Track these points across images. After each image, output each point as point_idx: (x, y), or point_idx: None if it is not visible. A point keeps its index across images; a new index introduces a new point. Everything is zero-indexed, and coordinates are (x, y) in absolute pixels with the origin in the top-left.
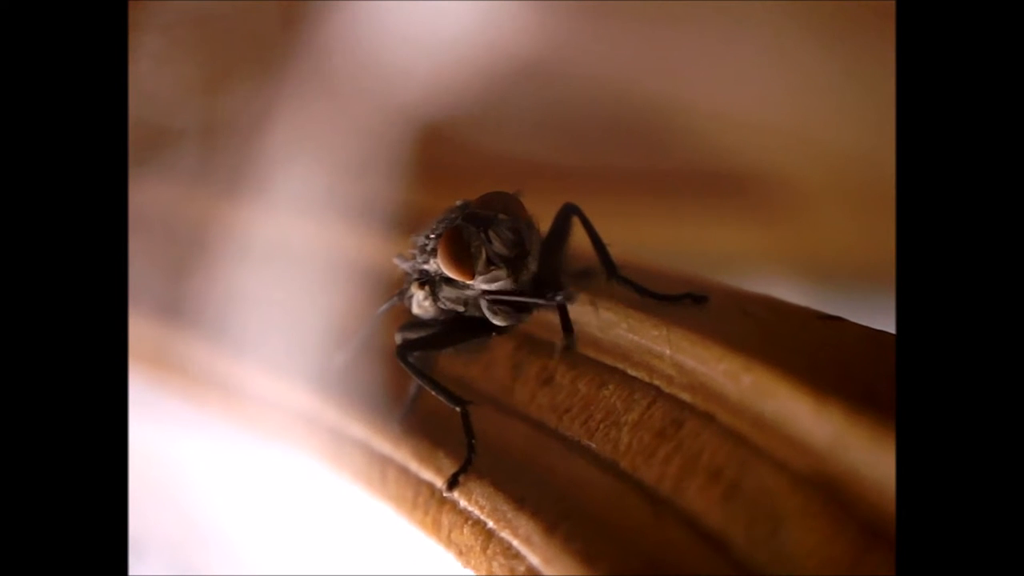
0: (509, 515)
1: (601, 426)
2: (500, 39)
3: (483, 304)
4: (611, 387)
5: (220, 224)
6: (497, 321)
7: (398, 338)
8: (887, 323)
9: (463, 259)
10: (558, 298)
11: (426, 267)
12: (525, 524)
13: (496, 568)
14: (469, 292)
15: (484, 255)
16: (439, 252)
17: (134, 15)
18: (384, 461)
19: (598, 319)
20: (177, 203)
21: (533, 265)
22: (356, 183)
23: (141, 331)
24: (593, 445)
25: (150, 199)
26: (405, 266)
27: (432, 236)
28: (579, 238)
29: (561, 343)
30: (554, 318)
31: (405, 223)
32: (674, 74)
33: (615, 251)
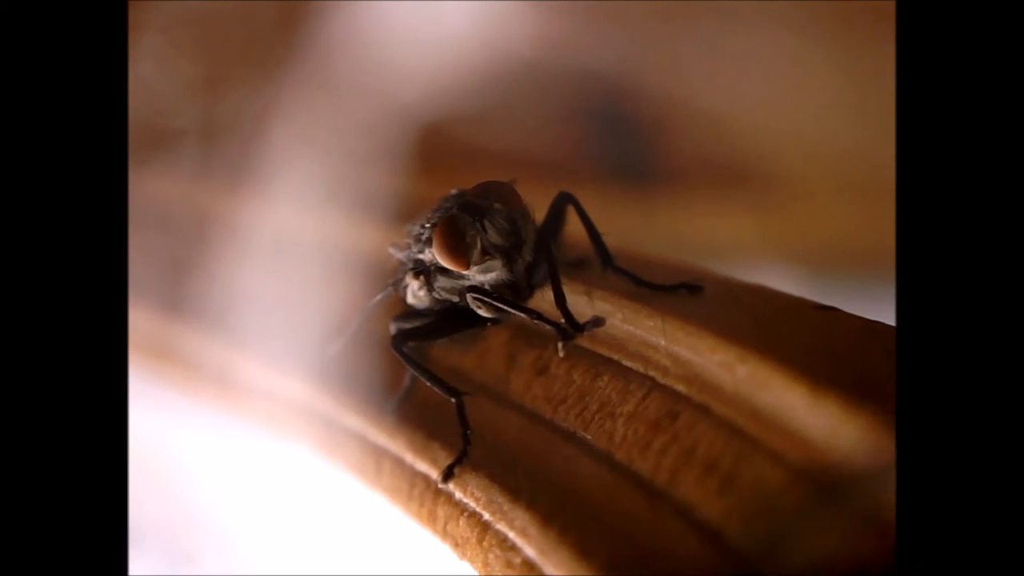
0: (505, 507)
1: (596, 417)
2: (499, 37)
3: (468, 299)
4: (606, 378)
5: (220, 218)
6: (482, 313)
7: (393, 328)
8: (882, 313)
9: (458, 249)
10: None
11: (421, 257)
12: (521, 516)
13: (492, 560)
14: (464, 282)
15: (479, 245)
16: (434, 242)
17: (134, 15)
18: (379, 452)
19: (593, 309)
20: (178, 199)
21: (528, 255)
22: (356, 179)
23: (140, 322)
24: (588, 436)
25: (151, 195)
26: (400, 255)
27: (427, 225)
28: (574, 227)
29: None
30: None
31: (403, 217)
32: (672, 71)
33: (610, 241)
